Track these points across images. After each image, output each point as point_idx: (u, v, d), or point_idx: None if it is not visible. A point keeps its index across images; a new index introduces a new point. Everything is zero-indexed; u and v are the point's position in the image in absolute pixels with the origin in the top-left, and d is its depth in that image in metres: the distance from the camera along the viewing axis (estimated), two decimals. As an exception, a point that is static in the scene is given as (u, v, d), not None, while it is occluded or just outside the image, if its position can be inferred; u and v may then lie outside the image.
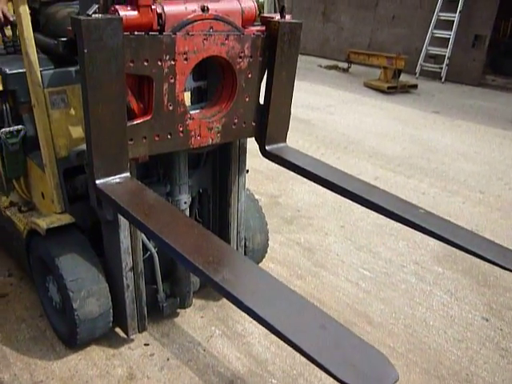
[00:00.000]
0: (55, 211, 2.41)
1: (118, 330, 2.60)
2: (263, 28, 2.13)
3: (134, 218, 1.66)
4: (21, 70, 2.37)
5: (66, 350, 2.51)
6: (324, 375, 2.40)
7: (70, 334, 2.43)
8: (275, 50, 2.10)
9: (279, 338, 1.33)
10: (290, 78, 2.22)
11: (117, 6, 1.73)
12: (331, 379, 2.40)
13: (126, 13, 1.74)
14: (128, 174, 1.90)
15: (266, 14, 2.19)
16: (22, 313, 2.77)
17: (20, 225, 2.62)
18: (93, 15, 1.64)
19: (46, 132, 2.29)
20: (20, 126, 2.49)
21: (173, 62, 1.88)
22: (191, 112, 2.06)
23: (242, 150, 2.52)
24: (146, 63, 1.82)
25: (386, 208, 2.02)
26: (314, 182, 2.24)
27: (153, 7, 1.79)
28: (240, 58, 2.05)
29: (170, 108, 1.96)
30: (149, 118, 1.92)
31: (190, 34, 1.88)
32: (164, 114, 1.95)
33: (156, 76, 1.87)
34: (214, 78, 2.25)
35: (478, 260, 3.37)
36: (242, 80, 2.11)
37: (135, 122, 1.89)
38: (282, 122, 2.33)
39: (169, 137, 2.01)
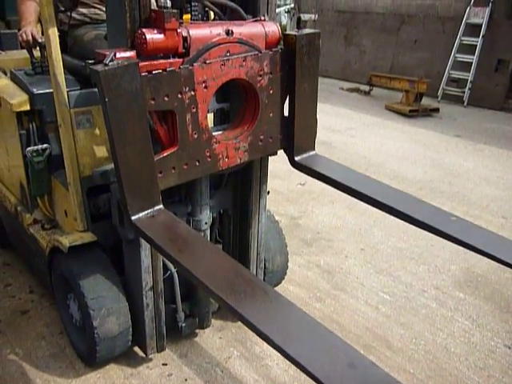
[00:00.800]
0: (78, 229, 2.44)
1: (136, 349, 2.61)
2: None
3: (170, 256, 1.72)
4: (48, 91, 2.43)
5: (85, 368, 2.53)
6: (342, 400, 2.37)
7: (89, 352, 2.44)
8: (295, 63, 2.11)
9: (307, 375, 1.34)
10: (313, 88, 2.23)
11: (144, 30, 1.78)
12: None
13: (153, 36, 1.78)
14: (161, 207, 1.93)
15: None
16: (42, 330, 2.80)
17: (43, 242, 2.66)
18: (109, 63, 1.67)
19: (71, 151, 2.34)
20: (45, 145, 2.55)
21: (193, 93, 1.92)
22: (214, 133, 2.09)
23: (264, 172, 2.54)
24: (166, 98, 1.86)
25: (423, 222, 2.01)
26: (346, 192, 2.23)
27: (178, 30, 1.83)
28: (260, 76, 2.07)
29: (195, 136, 1.99)
30: (175, 149, 1.95)
31: (208, 62, 1.91)
32: (190, 143, 1.99)
33: (178, 109, 1.91)
34: (236, 98, 2.28)
35: (500, 286, 3.34)
36: (264, 97, 2.13)
37: (162, 156, 1.93)
38: (309, 131, 2.33)
39: (197, 163, 2.04)
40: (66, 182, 2.43)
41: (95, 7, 2.84)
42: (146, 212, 1.89)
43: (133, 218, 1.86)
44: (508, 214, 4.50)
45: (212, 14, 2.34)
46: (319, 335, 1.46)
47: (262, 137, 2.20)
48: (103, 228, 2.48)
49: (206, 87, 1.95)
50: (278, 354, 2.64)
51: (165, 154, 1.94)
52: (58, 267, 2.54)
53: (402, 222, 4.37)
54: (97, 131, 2.40)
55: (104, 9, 2.83)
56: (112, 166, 1.93)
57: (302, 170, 2.34)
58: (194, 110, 1.95)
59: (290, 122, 2.26)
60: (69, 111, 2.30)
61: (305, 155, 2.34)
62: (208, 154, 2.06)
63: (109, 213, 2.35)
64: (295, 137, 2.27)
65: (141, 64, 1.79)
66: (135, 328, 2.42)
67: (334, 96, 9.21)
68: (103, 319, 2.31)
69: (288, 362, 2.56)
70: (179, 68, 1.85)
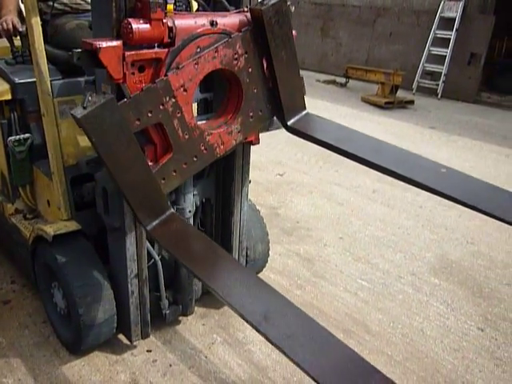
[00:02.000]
0: (62, 218, 2.46)
1: (120, 336, 2.63)
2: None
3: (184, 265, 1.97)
4: (29, 80, 2.44)
5: (70, 355, 2.55)
6: (324, 382, 2.44)
7: (74, 340, 2.47)
8: (267, 37, 2.09)
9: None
10: (291, 53, 2.20)
11: (130, 19, 1.80)
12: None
13: (139, 26, 1.80)
14: (171, 211, 2.06)
15: None
16: (24, 319, 2.80)
17: (25, 232, 2.67)
18: (87, 106, 1.73)
19: (55, 141, 2.35)
20: (27, 135, 2.55)
21: (174, 100, 1.96)
22: (199, 123, 2.13)
23: (246, 160, 2.58)
24: (150, 114, 1.91)
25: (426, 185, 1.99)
26: (340, 154, 2.23)
27: (164, 21, 1.86)
28: (235, 59, 2.08)
29: (187, 137, 2.05)
30: (171, 155, 2.02)
31: (181, 66, 1.93)
32: (183, 144, 2.05)
33: (164, 119, 1.96)
34: (219, 86, 2.32)
35: (473, 272, 3.46)
36: (245, 77, 2.14)
37: (161, 164, 2.01)
38: (295, 92, 2.30)
39: (195, 159, 2.11)
40: (49, 171, 2.44)
41: (76, -3, 2.83)
42: (159, 220, 2.02)
43: (148, 228, 2.02)
44: (480, 203, 4.63)
45: (195, 5, 2.37)
46: (297, 317, 1.67)
47: (251, 113, 2.22)
48: (87, 217, 2.50)
49: (185, 90, 1.98)
50: (261, 339, 2.72)
51: (163, 162, 2.02)
52: (42, 256, 2.55)
53: (380, 211, 4.50)
54: (80, 120, 2.41)
55: (85, -2, 2.84)
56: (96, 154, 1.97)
57: (296, 135, 2.34)
58: (179, 114, 2.00)
59: (275, 90, 2.25)
60: (52, 100, 2.31)
61: (296, 117, 2.32)
62: (203, 148, 2.12)
63: (93, 201, 2.38)
64: (283, 102, 2.26)
65: (127, 53, 1.82)
66: (120, 315, 2.45)
67: (310, 88, 9.26)
68: (89, 307, 2.33)
69: (270, 346, 2.63)
70: (154, 82, 1.88)
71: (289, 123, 2.30)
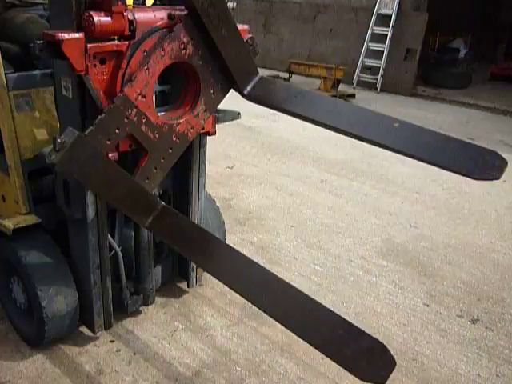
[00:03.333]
0: (20, 212, 2.44)
1: (82, 329, 2.65)
2: None
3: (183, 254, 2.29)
4: None
5: (32, 349, 2.54)
6: (285, 360, 2.57)
7: (36, 334, 2.46)
8: (202, 20, 2.09)
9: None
10: (231, 28, 2.19)
11: (91, 12, 1.83)
12: (292, 363, 2.61)
13: (100, 18, 1.84)
14: (161, 205, 2.17)
15: None
16: (-19, 317, 2.76)
17: (-20, 228, 2.63)
18: (59, 149, 1.86)
19: (11, 134, 2.34)
20: (-20, 130, 2.52)
21: (135, 109, 2.04)
22: (161, 113, 2.19)
23: (203, 151, 2.65)
24: (117, 131, 2.01)
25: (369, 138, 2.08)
26: (298, 118, 2.26)
27: (125, 14, 1.91)
28: (183, 49, 2.10)
29: (157, 135, 2.15)
30: (147, 156, 2.15)
31: (134, 77, 1.99)
32: (156, 143, 2.16)
33: (131, 129, 2.06)
34: (176, 77, 2.39)
35: (417, 253, 3.68)
36: (197, 60, 2.17)
37: (141, 167, 2.15)
38: (244, 61, 2.30)
39: (170, 151, 2.23)
40: (4, 165, 2.42)
41: (25, -10, 2.80)
42: (152, 216, 2.15)
43: (146, 226, 2.17)
44: (421, 189, 4.90)
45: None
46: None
47: (211, 90, 2.27)
48: (45, 210, 2.50)
49: (143, 96, 2.05)
50: (222, 325, 2.81)
51: (143, 165, 2.15)
52: (0, 251, 2.52)
53: (328, 200, 4.65)
54: (36, 114, 2.40)
55: (35, -8, 2.82)
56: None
57: (254, 102, 2.36)
58: (145, 119, 2.08)
59: (225, 64, 2.27)
60: (7, 94, 2.29)
61: (251, 84, 2.33)
62: (175, 138, 2.22)
63: (51, 194, 2.39)
64: (234, 74, 2.28)
65: (89, 45, 1.86)
66: (82, 307, 2.47)
67: (255, 83, 9.41)
68: (51, 299, 2.34)
69: (231, 330, 2.73)
70: (112, 102, 1.97)
71: (245, 92, 2.33)
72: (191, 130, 2.27)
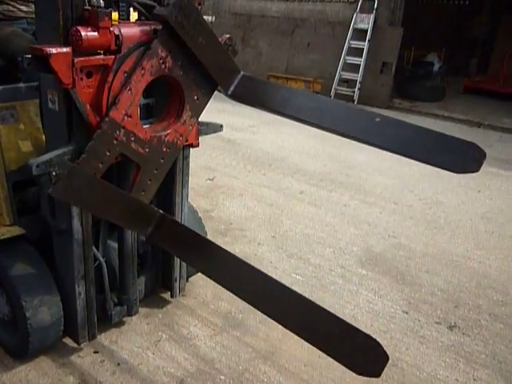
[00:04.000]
0: (4, 223, 2.45)
1: (66, 340, 2.65)
2: None
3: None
4: None
5: (15, 361, 2.53)
6: (268, 368, 2.61)
7: (19, 346, 2.46)
8: (178, 34, 2.11)
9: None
10: (208, 35, 2.19)
11: (78, 27, 1.88)
12: (275, 371, 2.66)
13: (88, 33, 1.89)
14: (159, 213, 2.19)
15: None
16: (-38, 330, 2.74)
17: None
18: (55, 181, 1.94)
19: (-4, 146, 2.36)
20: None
21: (123, 130, 2.10)
22: (145, 126, 2.23)
23: (186, 162, 2.70)
24: (108, 153, 2.08)
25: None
26: (283, 116, 2.30)
27: (111, 29, 1.95)
28: (163, 63, 2.13)
29: (147, 150, 2.21)
30: (140, 170, 2.23)
31: (117, 100, 2.04)
32: (148, 157, 2.23)
33: (122, 148, 2.12)
34: (159, 90, 2.43)
35: (395, 262, 3.76)
36: (178, 71, 2.19)
37: (136, 182, 2.24)
38: (224, 63, 2.31)
39: (162, 161, 2.30)
40: (-13, 177, 2.43)
41: (9, 4, 2.83)
42: (152, 226, 2.16)
43: (147, 236, 2.20)
44: (398, 199, 5.01)
45: (135, 15, 2.46)
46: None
47: (195, 96, 2.31)
48: (29, 221, 2.51)
49: (129, 116, 2.11)
50: (205, 334, 2.83)
51: (137, 180, 2.23)
52: (-17, 263, 2.52)
53: (308, 210, 4.73)
54: (21, 126, 2.42)
55: (18, 6, 2.85)
56: (45, 157, 2.03)
57: (239, 101, 2.36)
58: (133, 137, 2.15)
59: (205, 69, 2.29)
60: (-8, 106, 2.32)
61: (233, 84, 2.33)
62: (165, 149, 2.28)
63: (35, 206, 2.40)
64: (216, 78, 2.30)
65: (76, 60, 1.90)
66: (66, 317, 2.48)
67: (234, 96, 9.49)
68: (35, 310, 2.35)
69: (215, 339, 2.76)
70: (100, 127, 2.03)
71: (229, 92, 2.34)
72: (180, 138, 2.34)
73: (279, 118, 7.37)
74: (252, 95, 2.34)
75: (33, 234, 2.52)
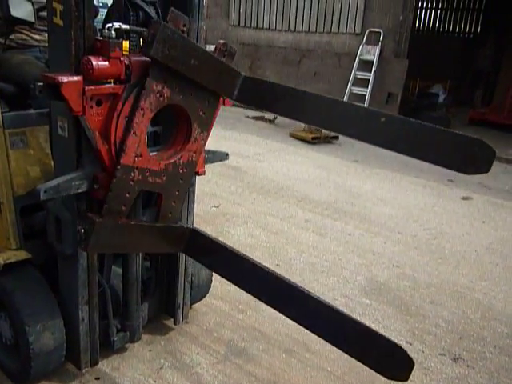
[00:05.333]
0: (10, 248, 2.47)
1: (68, 366, 2.64)
2: None
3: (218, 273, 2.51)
4: None
5: (16, 386, 2.53)
6: (270, 398, 2.58)
7: (21, 370, 2.46)
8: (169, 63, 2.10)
9: None
10: (199, 54, 2.15)
11: (90, 57, 1.93)
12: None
13: (99, 63, 1.94)
14: (190, 229, 2.48)
15: None
16: (-36, 354, 2.74)
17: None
18: (85, 239, 2.10)
19: (5, 171, 2.40)
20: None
21: (137, 170, 2.19)
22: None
23: (192, 190, 2.73)
24: (128, 195, 2.21)
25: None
26: (287, 117, 2.31)
27: (121, 59, 2.01)
28: (161, 96, 2.13)
29: (165, 178, 2.31)
30: (162, 197, 2.38)
31: (124, 147, 2.10)
32: (167, 184, 2.34)
33: (139, 186, 2.23)
34: (165, 118, 2.47)
35: (399, 292, 3.74)
36: (177, 96, 2.20)
37: (162, 209, 2.39)
38: (221, 71, 2.26)
39: (181, 181, 2.41)
40: (-3, 202, 2.47)
41: (22, 33, 2.91)
42: (185, 243, 2.44)
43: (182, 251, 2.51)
44: (403, 229, 5.01)
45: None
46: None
47: (201, 112, 2.31)
48: (35, 245, 2.53)
49: (140, 155, 2.17)
50: (208, 362, 2.82)
51: (161, 207, 2.39)
52: (-12, 286, 2.54)
53: (312, 239, 4.72)
54: (31, 152, 2.47)
55: (31, 35, 2.93)
56: (54, 182, 2.06)
57: (244, 104, 2.50)
58: (148, 172, 2.23)
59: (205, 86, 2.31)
60: (3, 132, 2.36)
61: (236, 89, 2.29)
62: (182, 170, 2.37)
63: (41, 230, 2.43)
64: (216, 89, 2.29)
65: (87, 88, 1.95)
66: (69, 343, 2.48)
67: (240, 123, 9.60)
68: (38, 335, 2.35)
69: (217, 367, 2.75)
70: (114, 176, 2.12)
71: (233, 98, 2.34)
72: (194, 155, 2.39)
73: (285, 146, 7.53)
74: (255, 98, 2.33)
75: (38, 258, 2.54)
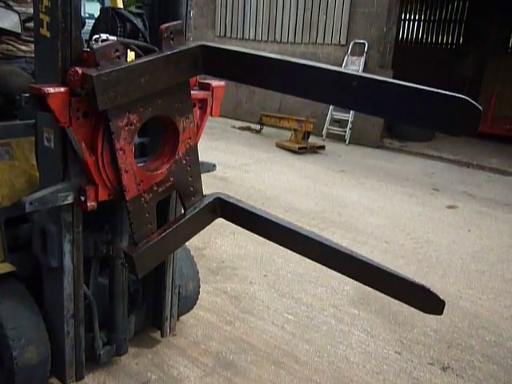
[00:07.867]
0: (-6, 261, 2.44)
1: (52, 380, 2.60)
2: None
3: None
4: None
5: (0, 402, 2.48)
6: (259, 411, 2.56)
7: (5, 386, 2.41)
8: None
9: None
10: (143, 69, 1.99)
11: (76, 68, 1.91)
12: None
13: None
14: (216, 196, 2.55)
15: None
16: None
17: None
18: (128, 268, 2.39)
19: (-11, 183, 2.36)
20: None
21: (145, 194, 2.20)
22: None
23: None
24: (148, 215, 2.23)
25: None
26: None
27: (109, 68, 1.99)
28: (131, 126, 2.08)
29: (172, 179, 2.32)
30: (180, 191, 2.42)
31: (124, 188, 2.12)
32: (177, 180, 2.35)
33: (155, 200, 2.27)
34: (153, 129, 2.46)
35: (388, 301, 3.74)
36: (177, 115, 2.23)
37: (184, 199, 2.44)
38: (176, 60, 2.11)
39: (189, 168, 2.41)
40: (-21, 214, 2.43)
41: (8, 44, 2.88)
42: (218, 213, 2.59)
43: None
44: (390, 239, 5.02)
45: (132, 55, 2.52)
46: None
47: (179, 103, 2.24)
48: (19, 258, 2.49)
49: (141, 182, 2.17)
50: (195, 375, 2.79)
51: (182, 197, 2.43)
52: (-29, 300, 2.49)
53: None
54: (16, 163, 2.44)
55: (17, 46, 2.91)
56: (39, 194, 2.04)
57: (213, 76, 2.24)
58: (156, 187, 2.24)
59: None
60: (-13, 143, 2.33)
61: (200, 61, 2.15)
62: (185, 160, 2.36)
63: (26, 243, 2.39)
64: (180, 79, 2.18)
65: (73, 100, 1.93)
66: (54, 357, 2.43)
67: (227, 134, 9.61)
68: (22, 349, 2.30)
69: (205, 381, 2.71)
70: (128, 211, 2.15)
71: (202, 72, 2.23)
72: (190, 139, 2.34)
73: (272, 156, 7.53)
74: (222, 66, 2.15)
75: (23, 271, 2.50)
